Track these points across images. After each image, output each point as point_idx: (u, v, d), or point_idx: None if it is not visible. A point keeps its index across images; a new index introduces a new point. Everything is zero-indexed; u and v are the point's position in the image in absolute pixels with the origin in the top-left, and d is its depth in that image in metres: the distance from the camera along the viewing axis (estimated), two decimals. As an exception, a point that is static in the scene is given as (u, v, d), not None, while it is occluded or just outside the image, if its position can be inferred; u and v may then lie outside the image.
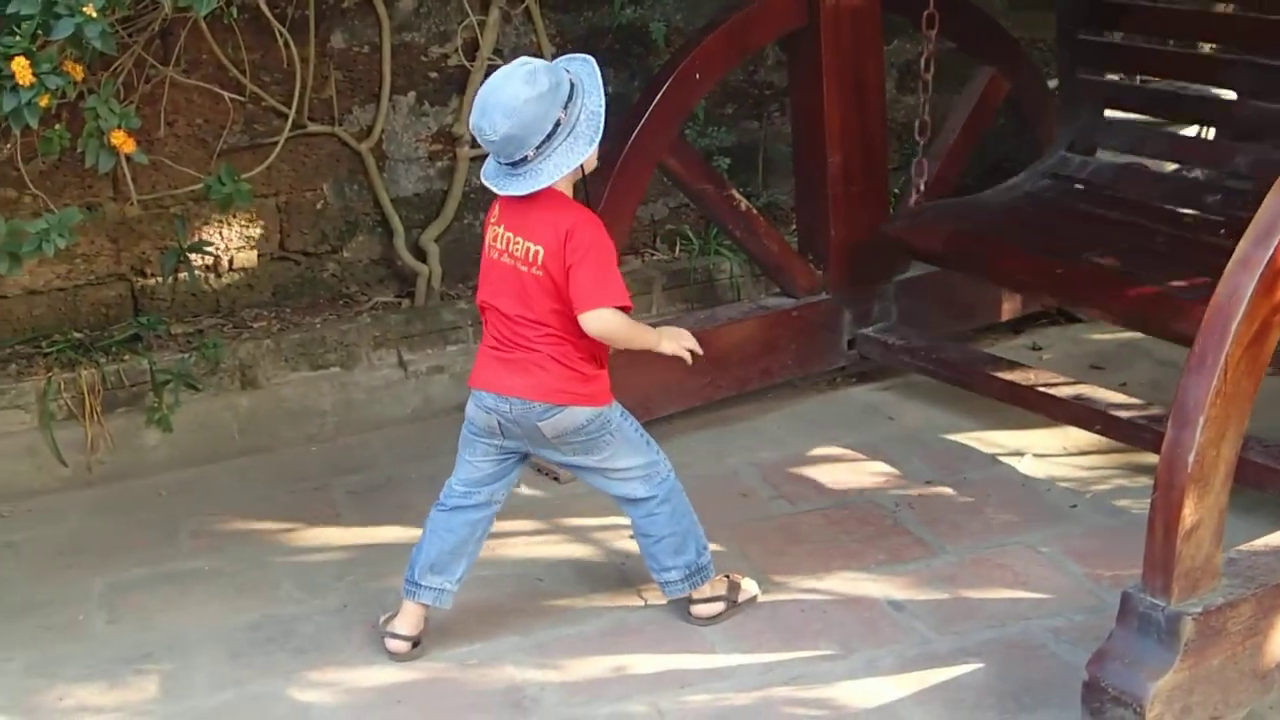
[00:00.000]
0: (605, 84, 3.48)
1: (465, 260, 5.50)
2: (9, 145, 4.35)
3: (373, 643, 3.78)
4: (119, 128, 3.88)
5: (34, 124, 3.63)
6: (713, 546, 3.86)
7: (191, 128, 5.14)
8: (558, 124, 3.35)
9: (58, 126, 4.11)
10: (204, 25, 4.87)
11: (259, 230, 5.34)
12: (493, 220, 3.55)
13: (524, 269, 3.45)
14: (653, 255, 5.77)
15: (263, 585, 4.17)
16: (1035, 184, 5.13)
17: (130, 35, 4.64)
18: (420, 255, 5.48)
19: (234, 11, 4.64)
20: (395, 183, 5.48)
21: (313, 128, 5.24)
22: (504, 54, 5.43)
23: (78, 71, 3.85)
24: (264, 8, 4.86)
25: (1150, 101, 5.37)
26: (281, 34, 4.99)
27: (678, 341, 3.73)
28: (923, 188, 4.93)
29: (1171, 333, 4.16)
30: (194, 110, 5.13)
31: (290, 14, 5.09)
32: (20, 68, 3.51)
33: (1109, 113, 5.19)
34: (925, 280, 5.26)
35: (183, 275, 5.13)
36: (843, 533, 4.25)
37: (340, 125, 5.33)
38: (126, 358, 5.00)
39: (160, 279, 5.20)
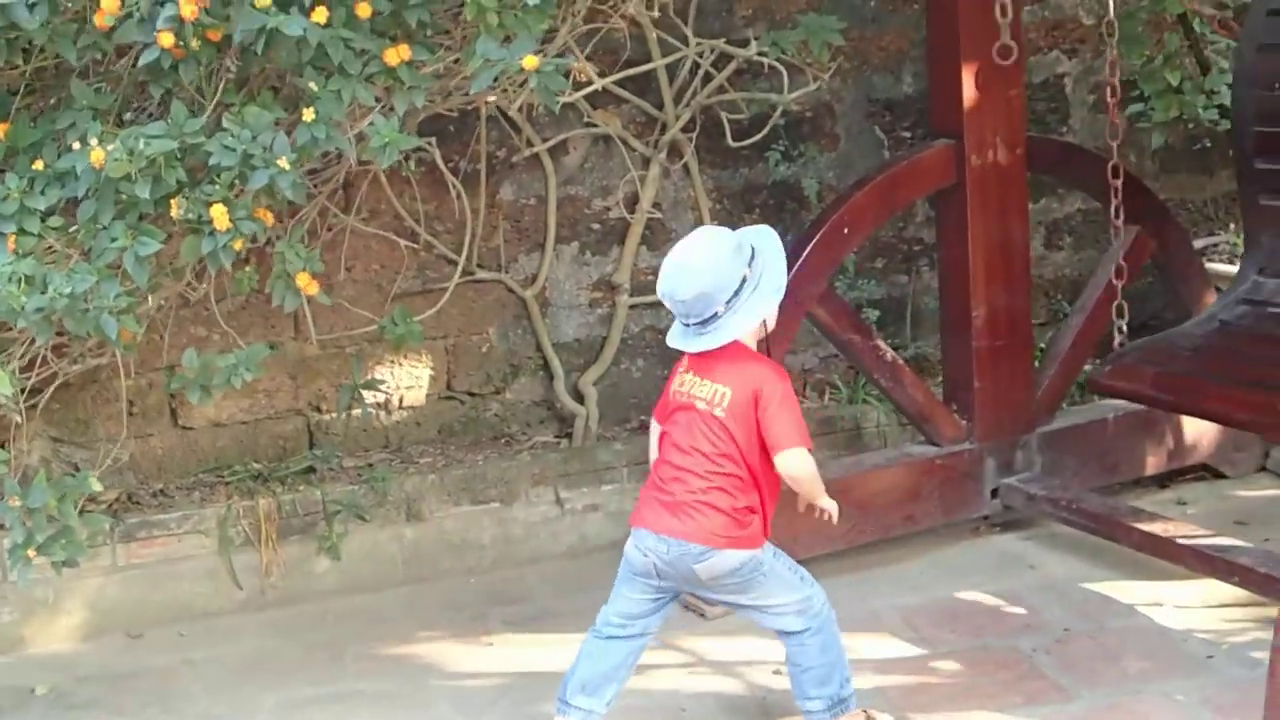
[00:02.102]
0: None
1: (622, 404, 5.76)
2: (204, 285, 4.66)
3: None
4: (304, 270, 4.17)
5: (227, 265, 3.93)
6: (855, 685, 4.00)
7: (369, 272, 5.47)
8: (744, 280, 3.65)
9: (248, 268, 4.43)
10: (383, 177, 5.22)
11: (428, 370, 5.63)
12: (681, 369, 3.82)
13: (706, 408, 3.69)
14: (803, 402, 5.94)
15: (421, 707, 4.39)
16: (1230, 312, 5.06)
17: (316, 185, 4.98)
18: (579, 398, 5.73)
19: (411, 165, 4.97)
20: (557, 328, 5.74)
21: (481, 274, 5.54)
22: (662, 207, 5.71)
23: (269, 218, 4.17)
24: (439, 163, 5.19)
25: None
26: (454, 186, 5.31)
27: (830, 502, 3.94)
28: (1124, 329, 5.05)
29: None
30: (371, 256, 5.46)
31: (463, 168, 5.42)
32: (219, 214, 3.82)
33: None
34: (1069, 432, 5.38)
35: (356, 411, 5.40)
36: (981, 675, 4.35)
37: (507, 272, 5.62)
38: (301, 488, 5.29)
39: (335, 414, 5.50)
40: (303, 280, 4.17)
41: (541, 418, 5.77)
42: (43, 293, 3.73)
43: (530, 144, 5.52)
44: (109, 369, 5.01)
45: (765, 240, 3.78)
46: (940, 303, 5.32)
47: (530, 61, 3.88)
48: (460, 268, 5.47)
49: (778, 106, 5.49)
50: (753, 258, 3.71)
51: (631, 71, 5.39)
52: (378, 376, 5.51)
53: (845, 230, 4.91)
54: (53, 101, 4.16)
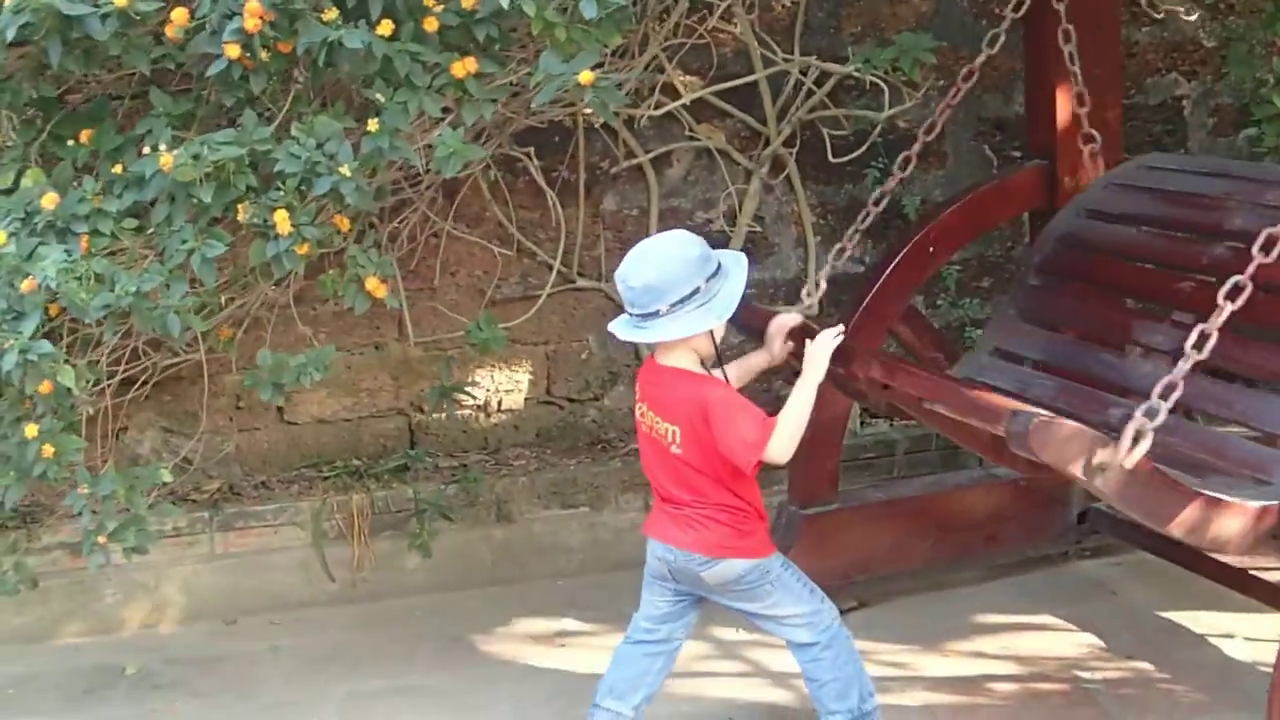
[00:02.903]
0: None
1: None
2: (293, 285, 4.81)
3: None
4: (374, 275, 4.28)
5: (291, 269, 4.03)
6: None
7: (471, 278, 5.59)
8: (695, 291, 3.59)
9: (331, 272, 4.55)
10: (483, 185, 5.34)
11: (528, 375, 5.73)
12: (638, 397, 3.85)
13: (664, 444, 3.72)
14: (901, 421, 5.92)
15: (482, 706, 4.49)
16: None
17: (416, 192, 5.12)
18: (675, 408, 5.75)
19: (497, 175, 5.06)
20: (656, 339, 5.78)
21: (582, 283, 5.63)
22: (765, 221, 5.74)
23: (344, 224, 4.30)
24: (534, 173, 5.29)
25: None
26: (551, 197, 5.40)
27: (825, 350, 3.79)
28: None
29: None
30: (474, 262, 5.58)
31: (565, 177, 5.53)
32: (281, 219, 3.94)
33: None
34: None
35: (456, 413, 5.53)
36: (1033, 700, 4.33)
37: (607, 282, 5.69)
38: (395, 485, 5.43)
39: (435, 415, 5.63)
40: (372, 284, 4.27)
41: (639, 426, 5.82)
42: (111, 290, 3.89)
43: (632, 155, 5.59)
44: (217, 364, 5.22)
45: (734, 264, 3.73)
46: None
47: (586, 77, 3.93)
48: (560, 275, 5.58)
49: (879, 124, 5.47)
50: (715, 275, 3.65)
51: (722, 85, 5.47)
52: (477, 380, 5.63)
53: (930, 249, 4.88)
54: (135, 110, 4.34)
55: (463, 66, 4.03)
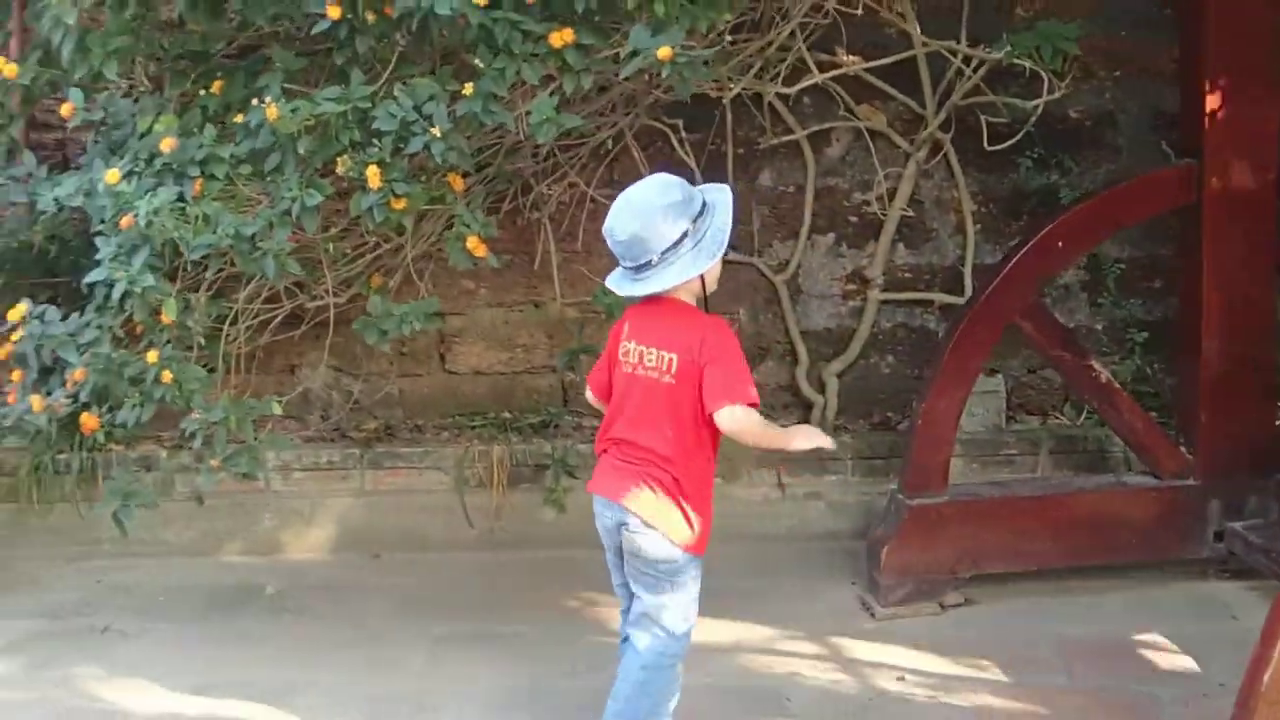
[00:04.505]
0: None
1: (865, 397, 5.81)
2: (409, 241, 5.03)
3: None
4: (476, 234, 4.45)
5: (379, 220, 4.24)
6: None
7: (622, 244, 5.71)
8: (684, 234, 3.52)
9: (450, 232, 4.72)
10: (636, 153, 5.46)
11: (677, 344, 5.82)
12: (623, 336, 3.73)
13: (655, 377, 3.60)
14: (1055, 419, 5.78)
15: (555, 657, 4.62)
16: None
17: (567, 156, 5.28)
18: (820, 386, 5.79)
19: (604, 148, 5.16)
20: (806, 316, 5.83)
21: (734, 256, 5.68)
22: (924, 205, 5.69)
23: (459, 183, 4.50)
24: (677, 148, 5.38)
25: None
26: (694, 169, 5.49)
27: (809, 439, 3.71)
28: None
29: None
30: (627, 228, 5.69)
31: (725, 151, 5.59)
32: (372, 174, 4.15)
33: None
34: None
35: (575, 373, 5.65)
36: (1094, 713, 4.21)
37: (760, 256, 5.74)
38: (535, 440, 5.62)
39: (582, 376, 5.78)
40: (472, 244, 4.43)
41: (786, 402, 5.87)
42: (214, 232, 4.18)
43: (789, 132, 5.62)
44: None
45: (719, 197, 3.64)
46: (1173, 329, 5.08)
47: (664, 52, 4.01)
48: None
49: (1037, 112, 5.34)
50: (701, 213, 3.58)
51: (871, 64, 5.48)
52: (621, 344, 5.76)
53: (1059, 244, 4.78)
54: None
55: (560, 37, 4.16)
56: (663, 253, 3.53)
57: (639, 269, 3.57)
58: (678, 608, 3.67)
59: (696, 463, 3.62)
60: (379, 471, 5.58)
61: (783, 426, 3.89)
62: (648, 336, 3.66)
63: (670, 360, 3.58)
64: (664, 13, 4.11)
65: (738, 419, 3.51)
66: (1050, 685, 4.40)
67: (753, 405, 3.53)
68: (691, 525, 3.62)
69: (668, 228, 3.52)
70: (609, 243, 3.60)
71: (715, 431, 3.61)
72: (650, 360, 3.63)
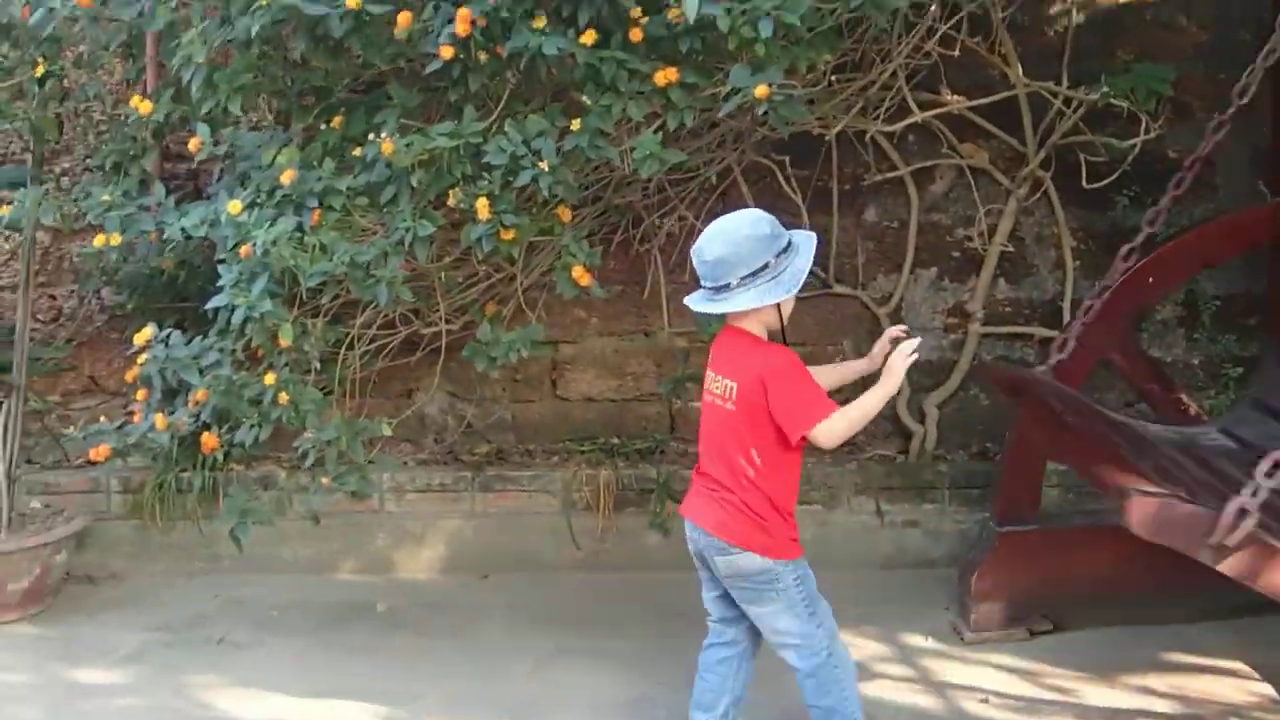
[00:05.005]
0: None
1: (964, 428, 5.90)
2: (520, 272, 5.22)
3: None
4: (581, 264, 4.62)
5: (488, 250, 4.43)
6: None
7: (733, 276, 5.87)
8: (765, 266, 3.72)
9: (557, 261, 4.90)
10: (743, 187, 5.62)
11: (783, 374, 5.96)
12: (707, 365, 3.95)
13: (720, 404, 3.83)
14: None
15: (660, 675, 4.76)
16: None
17: (677, 190, 5.46)
18: (920, 417, 5.90)
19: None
20: (909, 348, 5.91)
21: (839, 289, 5.82)
22: (1024, 242, 5.79)
23: (566, 215, 4.69)
24: (783, 183, 5.53)
25: None
26: (799, 204, 5.63)
27: (900, 364, 3.83)
28: None
29: None
30: (737, 261, 5.85)
31: (823, 186, 5.73)
32: (482, 205, 4.35)
33: None
34: None
35: (680, 400, 5.84)
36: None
37: (864, 290, 5.87)
38: (641, 465, 5.78)
39: (693, 403, 5.92)
40: (578, 273, 4.62)
41: (887, 431, 5.97)
42: (330, 260, 4.39)
43: (894, 168, 5.75)
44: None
45: (804, 242, 3.82)
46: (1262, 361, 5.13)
47: (761, 91, 4.17)
48: (817, 279, 5.77)
49: (1134, 151, 5.42)
50: (784, 251, 3.76)
51: (972, 103, 5.58)
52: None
53: (1149, 280, 4.87)
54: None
55: (664, 76, 4.33)
56: (742, 278, 3.73)
57: (717, 290, 3.78)
58: (788, 610, 3.87)
59: (770, 482, 3.82)
60: (489, 494, 5.76)
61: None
62: (718, 365, 3.90)
63: (731, 388, 3.81)
64: (764, 53, 4.25)
65: (832, 432, 3.74)
66: (1132, 710, 4.48)
67: (829, 409, 3.73)
68: (773, 535, 3.82)
69: (751, 256, 3.72)
70: (695, 262, 3.80)
71: (789, 448, 3.81)
72: (716, 388, 3.87)
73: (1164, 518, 3.54)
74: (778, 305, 3.80)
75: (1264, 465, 3.52)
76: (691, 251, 3.82)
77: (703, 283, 3.82)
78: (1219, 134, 4.70)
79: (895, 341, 3.97)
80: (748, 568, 3.84)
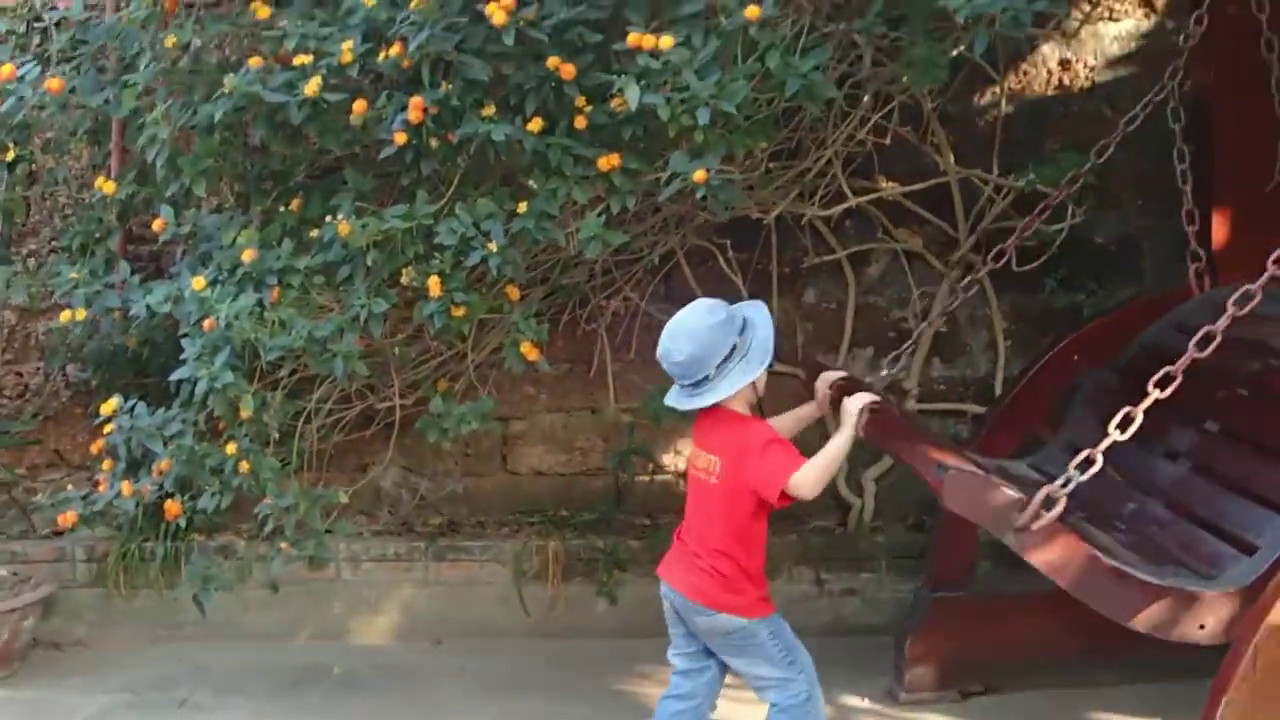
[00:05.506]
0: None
1: (900, 501, 6.11)
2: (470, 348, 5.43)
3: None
4: (529, 340, 4.84)
5: (440, 327, 4.64)
6: None
7: (679, 353, 6.09)
8: (734, 348, 3.98)
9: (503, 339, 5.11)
10: (686, 268, 5.86)
11: (728, 448, 6.17)
12: (694, 444, 4.21)
13: (704, 479, 4.09)
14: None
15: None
16: None
17: (621, 272, 5.69)
18: (859, 490, 6.12)
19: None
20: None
21: (779, 367, 6.01)
22: (959, 322, 6.03)
23: (514, 294, 4.91)
24: (723, 264, 5.78)
25: None
26: (741, 285, 5.87)
27: (858, 416, 4.11)
28: None
29: None
30: (681, 340, 6.08)
31: (763, 269, 5.97)
32: (433, 284, 4.57)
33: None
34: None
35: (626, 474, 6.07)
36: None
37: (802, 368, 6.08)
38: (589, 536, 5.97)
39: (639, 477, 6.14)
40: (526, 348, 4.84)
41: (826, 505, 6.16)
42: (288, 335, 4.60)
43: (832, 252, 6.00)
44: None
45: (757, 313, 4.09)
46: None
47: (699, 175, 4.41)
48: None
49: (1060, 236, 5.68)
50: (744, 328, 4.02)
51: (903, 189, 5.88)
52: (679, 448, 6.10)
53: (1075, 357, 5.11)
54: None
55: (608, 161, 4.56)
56: (718, 366, 3.98)
57: (696, 385, 4.03)
58: (769, 659, 4.14)
59: (747, 548, 4.09)
60: (442, 563, 5.94)
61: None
62: (702, 441, 4.16)
63: (715, 463, 4.07)
64: (703, 139, 4.49)
65: (807, 479, 3.95)
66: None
67: (799, 463, 3.95)
68: (745, 596, 4.09)
69: (719, 345, 4.00)
70: (665, 365, 4.05)
71: (764, 515, 4.08)
72: (700, 463, 4.13)
73: (977, 497, 3.72)
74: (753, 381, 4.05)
75: (1077, 459, 3.74)
76: (659, 355, 4.07)
77: (679, 382, 4.08)
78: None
79: (833, 386, 4.21)
80: (725, 626, 4.10)
